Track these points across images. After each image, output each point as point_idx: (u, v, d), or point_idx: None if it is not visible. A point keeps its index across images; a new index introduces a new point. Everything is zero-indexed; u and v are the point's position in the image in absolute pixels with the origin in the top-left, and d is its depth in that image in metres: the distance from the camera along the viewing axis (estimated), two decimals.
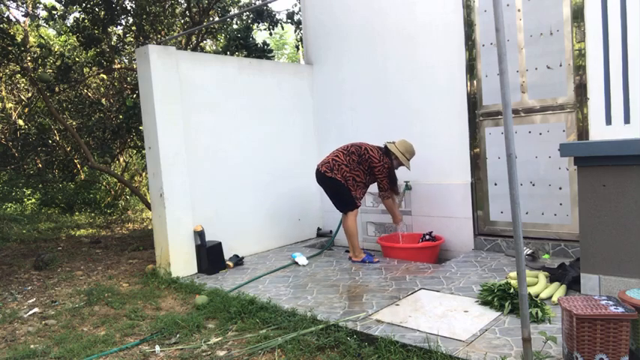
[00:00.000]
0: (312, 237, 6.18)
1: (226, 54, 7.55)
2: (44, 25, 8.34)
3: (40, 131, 8.73)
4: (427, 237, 5.08)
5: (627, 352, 2.29)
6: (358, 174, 4.80)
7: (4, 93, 9.96)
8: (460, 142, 4.99)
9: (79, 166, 9.40)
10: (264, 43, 7.61)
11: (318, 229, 6.26)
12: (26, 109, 9.66)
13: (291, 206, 5.92)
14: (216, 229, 4.99)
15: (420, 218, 5.35)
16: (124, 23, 7.87)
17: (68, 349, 3.16)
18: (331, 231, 6.12)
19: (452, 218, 5.10)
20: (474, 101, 4.93)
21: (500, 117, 4.76)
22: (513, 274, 3.74)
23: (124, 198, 10.89)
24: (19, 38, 7.58)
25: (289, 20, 8.18)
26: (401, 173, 5.37)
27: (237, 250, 5.19)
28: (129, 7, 7.46)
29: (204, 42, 9.59)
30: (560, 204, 4.49)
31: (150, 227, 7.97)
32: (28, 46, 7.55)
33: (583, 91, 4.24)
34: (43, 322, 3.77)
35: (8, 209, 9.75)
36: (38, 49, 7.49)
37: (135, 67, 6.58)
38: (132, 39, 8.17)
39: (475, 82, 4.92)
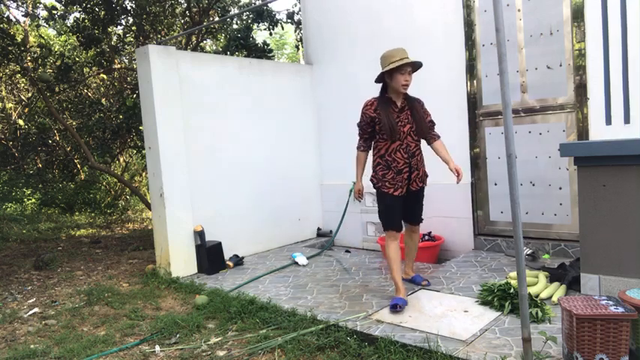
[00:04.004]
0: (312, 237, 6.18)
1: (226, 54, 7.54)
2: (44, 25, 8.35)
3: (40, 131, 8.73)
4: (426, 237, 5.08)
5: (627, 352, 2.29)
6: (375, 150, 3.71)
7: (4, 93, 9.96)
8: (460, 142, 4.99)
9: (79, 166, 9.41)
10: (265, 43, 7.61)
11: (318, 229, 6.26)
12: (26, 109, 9.66)
13: (291, 206, 5.92)
14: (216, 229, 4.99)
15: None
16: (124, 23, 7.87)
17: (68, 349, 3.16)
18: (331, 231, 6.11)
19: (452, 218, 5.10)
20: (473, 101, 4.93)
21: (500, 117, 4.76)
22: (513, 274, 3.74)
23: (124, 198, 10.89)
24: (19, 38, 7.58)
25: (289, 20, 8.17)
26: None
27: (237, 250, 5.19)
28: (129, 7, 7.45)
29: (204, 42, 9.59)
30: (560, 204, 4.49)
31: (150, 227, 7.97)
32: (28, 46, 7.55)
33: (583, 91, 4.24)
34: (43, 322, 3.77)
35: (8, 209, 9.75)
36: (38, 49, 7.49)
37: (135, 67, 6.58)
38: (132, 39, 8.17)
39: (475, 82, 4.92)
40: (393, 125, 3.53)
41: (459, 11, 4.90)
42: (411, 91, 5.35)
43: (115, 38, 8.11)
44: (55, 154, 9.16)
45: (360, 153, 3.76)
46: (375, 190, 3.70)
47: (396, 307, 3.32)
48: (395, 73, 3.53)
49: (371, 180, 3.70)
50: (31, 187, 10.09)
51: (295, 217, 5.98)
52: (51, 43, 9.28)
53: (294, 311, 3.46)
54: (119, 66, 8.11)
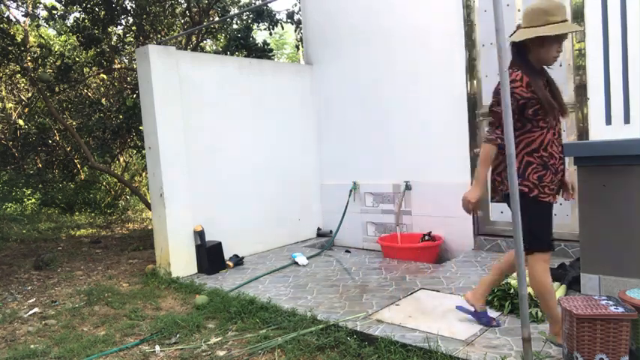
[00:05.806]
0: (312, 237, 6.18)
1: (226, 54, 7.54)
2: (44, 25, 8.34)
3: (40, 131, 8.73)
4: (426, 237, 5.08)
5: (627, 352, 2.29)
6: (521, 145, 2.62)
7: (4, 93, 9.97)
8: (460, 142, 4.98)
9: (79, 166, 9.41)
10: (265, 43, 7.61)
11: (318, 229, 6.26)
12: (26, 109, 9.66)
13: (291, 206, 5.91)
14: (216, 229, 4.99)
15: (420, 218, 5.34)
16: (124, 23, 7.86)
17: (68, 349, 3.16)
18: (331, 231, 6.11)
19: (452, 218, 5.10)
20: (473, 101, 4.93)
21: None
22: (513, 274, 3.74)
23: (124, 198, 10.89)
24: (19, 38, 7.58)
25: (289, 20, 8.17)
26: (400, 174, 5.35)
27: (237, 250, 5.19)
28: (129, 7, 7.45)
29: (204, 42, 9.59)
30: (560, 204, 4.49)
31: (150, 227, 7.97)
32: (28, 46, 7.55)
33: (583, 91, 4.24)
34: (43, 322, 3.77)
35: (8, 209, 9.75)
36: (38, 49, 7.49)
37: (135, 67, 6.58)
38: (132, 39, 8.17)
39: (475, 82, 4.92)
40: (555, 106, 2.58)
41: (459, 11, 4.90)
42: (411, 91, 5.37)
43: (115, 38, 8.11)
44: (55, 154, 9.16)
45: (492, 148, 2.60)
46: (496, 198, 2.91)
47: (492, 322, 3.01)
48: (550, 39, 2.52)
49: (521, 190, 2.51)
50: (31, 187, 10.10)
51: (295, 217, 5.98)
52: (51, 43, 9.28)
53: (294, 311, 3.46)
54: (119, 66, 8.11)
